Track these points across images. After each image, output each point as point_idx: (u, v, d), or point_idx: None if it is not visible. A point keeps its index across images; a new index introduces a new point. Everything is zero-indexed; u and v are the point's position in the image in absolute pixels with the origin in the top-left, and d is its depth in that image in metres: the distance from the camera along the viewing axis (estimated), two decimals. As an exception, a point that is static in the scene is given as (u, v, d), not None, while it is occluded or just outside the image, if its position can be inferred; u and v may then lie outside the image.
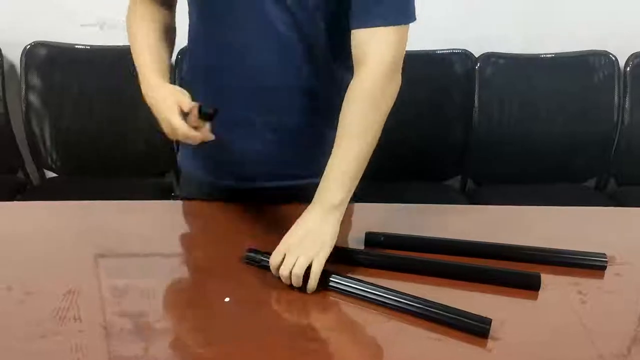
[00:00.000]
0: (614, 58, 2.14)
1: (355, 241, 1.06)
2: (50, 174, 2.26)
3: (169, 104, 0.99)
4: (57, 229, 1.13)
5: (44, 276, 0.96)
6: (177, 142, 1.10)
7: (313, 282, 0.91)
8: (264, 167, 1.17)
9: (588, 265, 0.98)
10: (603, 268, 0.98)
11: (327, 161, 1.02)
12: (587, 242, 1.03)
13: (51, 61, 2.13)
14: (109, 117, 2.14)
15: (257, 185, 1.19)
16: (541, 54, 2.17)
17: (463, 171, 2.27)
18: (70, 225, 1.15)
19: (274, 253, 0.94)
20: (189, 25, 1.15)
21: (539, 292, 0.92)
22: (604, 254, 0.99)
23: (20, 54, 2.10)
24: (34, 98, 2.11)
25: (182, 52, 2.04)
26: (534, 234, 1.09)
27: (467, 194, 2.23)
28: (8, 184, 2.14)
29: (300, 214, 0.98)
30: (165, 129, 1.01)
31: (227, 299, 0.90)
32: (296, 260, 0.91)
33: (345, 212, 0.98)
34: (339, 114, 1.02)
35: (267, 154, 1.15)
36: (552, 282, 0.94)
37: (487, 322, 0.82)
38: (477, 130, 2.16)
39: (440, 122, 2.18)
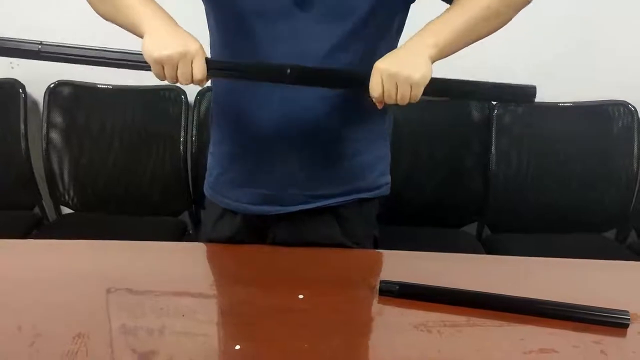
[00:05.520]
0: (633, 108, 2.13)
1: (370, 289, 1.04)
2: (66, 210, 2.28)
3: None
4: (69, 268, 1.12)
5: (54, 317, 0.95)
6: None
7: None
8: (298, 188, 1.15)
9: (609, 322, 0.95)
10: (625, 326, 0.95)
11: (360, 178, 1.07)
12: (607, 298, 1.00)
13: (74, 100, 2.17)
14: (127, 156, 2.16)
15: (288, 210, 1.17)
16: (559, 103, 2.17)
17: (479, 218, 2.24)
18: (82, 264, 1.14)
19: (372, 82, 0.96)
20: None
21: (560, 350, 0.89)
22: (627, 312, 0.95)
23: (43, 92, 2.15)
24: (55, 135, 2.15)
25: (200, 93, 2.08)
26: (553, 287, 1.06)
27: (482, 241, 2.20)
28: (24, 219, 2.16)
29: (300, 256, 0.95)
30: (183, 52, 0.93)
31: (237, 347, 0.88)
32: (396, 88, 0.95)
33: (360, 258, 0.97)
34: (372, 123, 1.06)
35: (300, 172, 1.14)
36: (573, 340, 0.91)
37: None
38: (494, 178, 2.14)
39: (457, 169, 2.16)
